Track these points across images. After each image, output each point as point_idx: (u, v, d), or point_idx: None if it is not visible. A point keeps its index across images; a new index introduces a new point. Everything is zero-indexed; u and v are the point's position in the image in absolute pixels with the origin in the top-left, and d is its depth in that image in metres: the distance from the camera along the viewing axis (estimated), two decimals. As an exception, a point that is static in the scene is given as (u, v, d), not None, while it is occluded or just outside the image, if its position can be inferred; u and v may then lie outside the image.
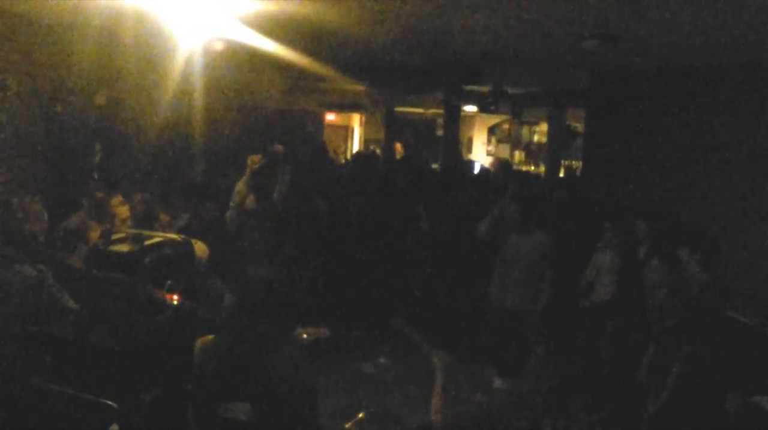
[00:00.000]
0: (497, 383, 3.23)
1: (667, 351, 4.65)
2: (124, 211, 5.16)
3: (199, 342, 3.10)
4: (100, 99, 6.61)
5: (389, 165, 11.32)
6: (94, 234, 4.53)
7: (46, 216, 4.49)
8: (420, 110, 17.38)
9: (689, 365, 4.46)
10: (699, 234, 5.38)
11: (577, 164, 15.01)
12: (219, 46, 6.43)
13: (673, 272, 4.84)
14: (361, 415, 3.48)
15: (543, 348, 5.10)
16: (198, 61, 6.31)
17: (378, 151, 15.37)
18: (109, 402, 3.32)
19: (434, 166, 13.31)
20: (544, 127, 17.65)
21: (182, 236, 5.25)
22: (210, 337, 3.10)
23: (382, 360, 5.85)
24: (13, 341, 3.61)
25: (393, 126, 14.71)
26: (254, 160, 5.44)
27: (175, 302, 4.53)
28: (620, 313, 5.59)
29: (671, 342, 4.65)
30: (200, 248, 4.65)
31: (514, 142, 20.35)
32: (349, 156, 16.86)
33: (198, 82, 7.16)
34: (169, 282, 4.69)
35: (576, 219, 7.04)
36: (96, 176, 6.41)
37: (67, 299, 4.09)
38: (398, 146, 14.82)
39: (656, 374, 4.72)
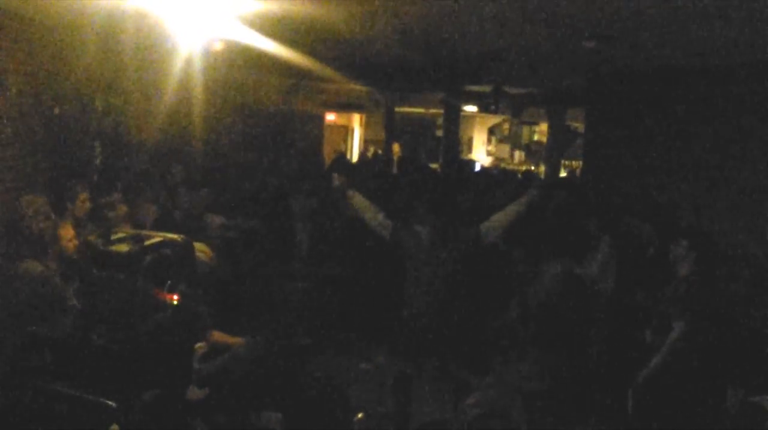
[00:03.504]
0: (476, 382, 3.25)
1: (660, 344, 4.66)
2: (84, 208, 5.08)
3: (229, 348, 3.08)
4: (100, 100, 6.61)
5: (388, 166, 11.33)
6: (66, 234, 4.45)
7: (53, 215, 4.50)
8: (420, 110, 17.40)
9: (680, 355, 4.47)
10: (694, 231, 5.39)
11: (577, 164, 15.02)
12: (219, 47, 6.43)
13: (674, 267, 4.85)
14: (360, 415, 3.48)
15: (533, 349, 5.09)
16: (198, 62, 6.31)
17: (377, 151, 15.38)
18: (109, 402, 3.32)
19: (434, 165, 13.32)
20: (544, 127, 17.66)
21: (182, 236, 5.25)
22: (240, 342, 3.08)
23: (381, 360, 5.84)
24: (16, 340, 3.62)
25: (393, 126, 14.74)
26: None
27: (175, 302, 4.54)
28: (616, 311, 5.59)
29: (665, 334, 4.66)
30: (200, 249, 4.60)
31: (514, 142, 20.37)
32: (349, 156, 16.86)
33: (198, 83, 7.16)
34: (169, 282, 4.70)
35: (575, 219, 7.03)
36: (96, 178, 6.40)
37: (72, 297, 4.10)
38: (396, 147, 14.85)
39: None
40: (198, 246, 4.60)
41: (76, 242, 4.47)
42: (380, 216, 4.88)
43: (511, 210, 4.87)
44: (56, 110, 6.03)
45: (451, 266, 4.74)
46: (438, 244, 4.72)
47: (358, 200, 4.94)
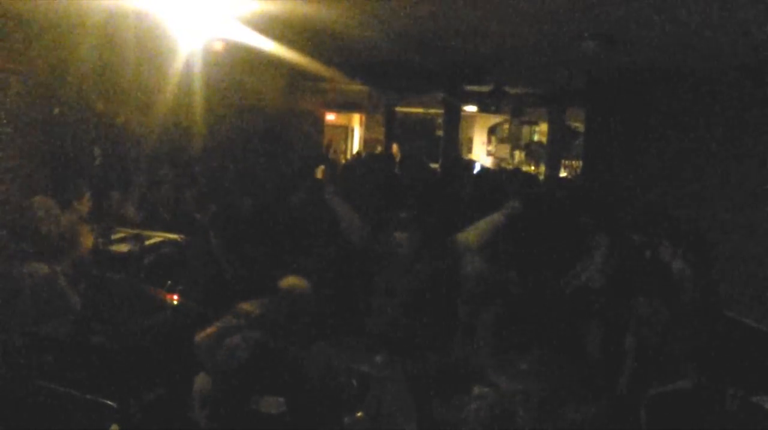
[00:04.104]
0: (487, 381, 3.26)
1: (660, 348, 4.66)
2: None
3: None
4: (100, 100, 6.60)
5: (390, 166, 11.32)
6: (85, 236, 4.40)
7: (60, 216, 4.51)
8: (420, 110, 17.39)
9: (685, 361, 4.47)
10: (687, 231, 5.39)
11: (577, 164, 15.02)
12: (219, 46, 6.42)
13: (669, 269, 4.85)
14: (360, 415, 3.48)
15: (535, 350, 5.09)
16: (198, 62, 6.31)
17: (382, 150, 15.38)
18: (109, 402, 3.32)
19: (434, 165, 13.32)
20: (544, 127, 17.66)
21: (182, 236, 5.25)
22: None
23: (380, 360, 5.82)
24: (16, 340, 3.62)
25: (393, 126, 14.73)
26: None
27: (175, 302, 4.54)
28: (612, 312, 5.58)
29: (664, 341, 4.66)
30: (296, 281, 3.93)
31: (514, 142, 20.37)
32: (349, 156, 16.86)
33: (198, 83, 7.16)
34: (169, 282, 4.70)
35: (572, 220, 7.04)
36: (95, 178, 6.39)
37: (76, 299, 4.10)
38: (395, 147, 14.84)
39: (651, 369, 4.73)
40: (293, 279, 4.13)
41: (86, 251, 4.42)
42: (357, 221, 4.71)
43: (489, 222, 4.67)
44: (56, 110, 6.03)
45: (426, 278, 4.58)
46: (416, 255, 4.59)
47: (338, 203, 4.77)
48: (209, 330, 3.30)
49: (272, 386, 2.93)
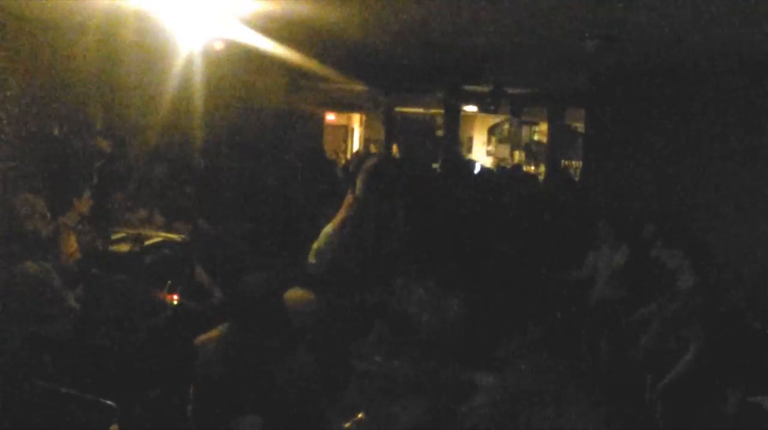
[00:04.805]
0: (486, 380, 3.25)
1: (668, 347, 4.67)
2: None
3: (200, 344, 3.05)
4: (100, 100, 6.61)
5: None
6: (69, 245, 4.30)
7: (49, 214, 4.49)
8: (420, 110, 17.38)
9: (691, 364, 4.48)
10: (691, 238, 5.41)
11: (577, 164, 15.01)
12: (219, 46, 6.42)
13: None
14: (360, 415, 3.48)
15: (543, 347, 5.10)
16: (198, 62, 6.30)
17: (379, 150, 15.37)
18: (109, 402, 3.32)
19: (434, 165, 13.32)
20: (544, 127, 17.65)
21: (182, 236, 5.25)
22: (212, 338, 3.05)
23: (378, 359, 5.82)
24: (14, 341, 3.61)
25: (393, 126, 14.74)
26: None
27: (175, 302, 4.54)
28: (624, 311, 5.57)
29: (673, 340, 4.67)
30: (302, 295, 3.72)
31: (514, 142, 20.36)
32: (349, 156, 16.88)
33: (198, 83, 7.15)
34: (169, 282, 4.70)
35: (573, 218, 7.05)
36: (95, 181, 6.39)
37: (70, 299, 4.09)
38: (394, 148, 14.86)
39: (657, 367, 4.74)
40: (298, 292, 3.94)
41: (77, 253, 4.36)
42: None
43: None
44: (55, 111, 6.04)
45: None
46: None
47: None
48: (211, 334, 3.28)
49: (249, 404, 2.83)
